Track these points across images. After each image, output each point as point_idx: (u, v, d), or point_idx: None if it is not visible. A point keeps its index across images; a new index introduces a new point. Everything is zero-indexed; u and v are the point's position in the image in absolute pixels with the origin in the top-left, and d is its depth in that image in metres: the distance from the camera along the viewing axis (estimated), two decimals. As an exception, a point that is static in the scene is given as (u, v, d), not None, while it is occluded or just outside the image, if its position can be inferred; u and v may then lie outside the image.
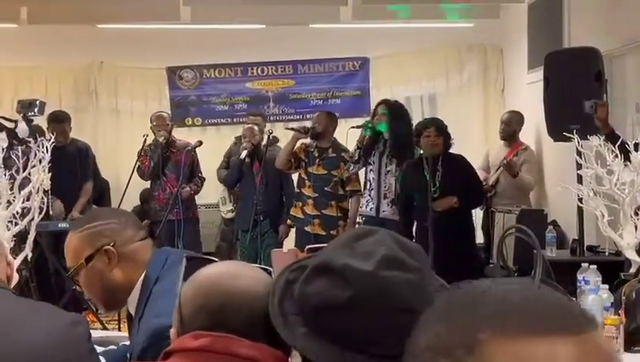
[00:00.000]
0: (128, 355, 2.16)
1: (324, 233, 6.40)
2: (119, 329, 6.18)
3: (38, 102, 5.73)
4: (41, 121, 6.38)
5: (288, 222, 6.72)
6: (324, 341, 1.26)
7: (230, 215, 7.52)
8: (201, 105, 8.53)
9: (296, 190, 6.67)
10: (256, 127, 6.92)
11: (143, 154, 6.83)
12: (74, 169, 6.80)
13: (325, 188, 6.51)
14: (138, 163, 6.80)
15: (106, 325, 6.24)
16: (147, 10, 7.44)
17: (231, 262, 1.60)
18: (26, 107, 5.69)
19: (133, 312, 2.17)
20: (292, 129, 6.69)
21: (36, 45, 8.02)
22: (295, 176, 6.86)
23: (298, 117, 8.47)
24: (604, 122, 5.06)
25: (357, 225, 6.76)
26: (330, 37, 8.37)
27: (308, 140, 6.62)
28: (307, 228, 6.46)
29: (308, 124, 6.91)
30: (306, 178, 6.55)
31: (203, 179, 7.12)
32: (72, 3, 7.49)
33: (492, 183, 6.81)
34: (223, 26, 8.20)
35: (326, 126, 6.60)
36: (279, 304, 1.34)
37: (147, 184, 7.19)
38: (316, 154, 6.55)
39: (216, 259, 1.64)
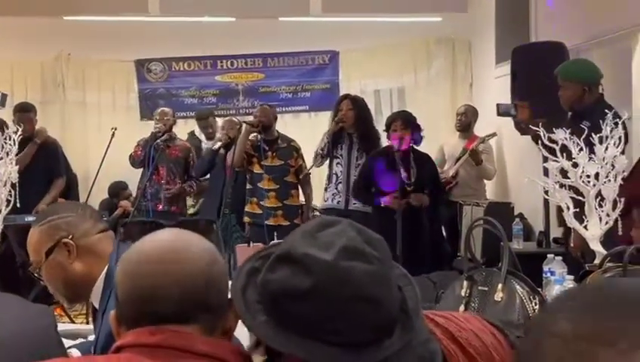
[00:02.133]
0: (92, 349, 2.14)
1: (287, 223, 6.46)
2: (87, 323, 6.15)
3: (0, 94, 5.68)
4: (5, 114, 6.34)
5: (246, 219, 6.67)
6: (284, 329, 1.27)
7: (192, 210, 7.49)
8: (170, 99, 8.50)
9: (249, 186, 6.66)
10: (235, 120, 6.95)
11: (138, 143, 6.93)
12: (43, 163, 6.75)
13: (285, 179, 6.55)
14: (132, 152, 6.91)
15: (74, 319, 6.21)
16: (115, 2, 7.39)
17: (163, 231, 1.41)
18: None
19: (97, 306, 2.16)
20: (245, 122, 6.67)
21: (2, 38, 7.93)
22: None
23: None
24: (527, 123, 5.17)
25: (312, 214, 6.83)
26: (299, 30, 8.38)
27: (252, 136, 6.61)
28: (269, 222, 6.45)
29: (249, 119, 6.92)
30: (262, 172, 6.54)
31: (198, 182, 7.15)
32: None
33: (452, 174, 6.90)
34: (193, 19, 8.17)
35: (271, 118, 6.67)
36: (242, 290, 1.33)
37: (122, 174, 7.23)
38: (266, 147, 6.57)
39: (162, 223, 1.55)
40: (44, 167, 6.70)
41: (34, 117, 6.80)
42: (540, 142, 3.29)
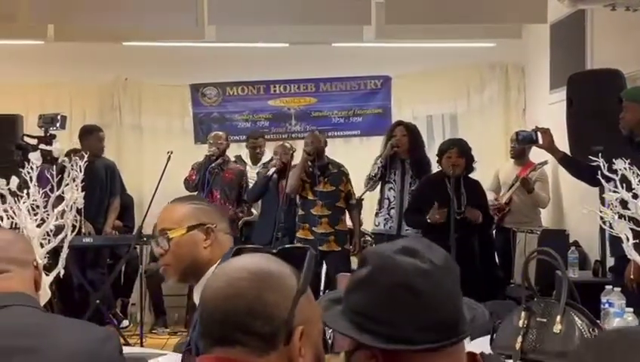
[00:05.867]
0: (193, 347, 2.24)
1: (339, 248, 6.50)
2: (141, 345, 6.24)
3: (59, 117, 5.81)
4: (63, 137, 6.49)
5: (298, 245, 6.72)
6: (348, 321, 1.39)
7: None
8: (224, 123, 8.59)
9: (300, 213, 6.68)
10: (288, 145, 7.02)
11: (192, 167, 7.13)
12: (102, 185, 6.93)
13: (336, 204, 6.59)
14: (186, 175, 7.13)
15: (128, 340, 6.29)
16: (172, 29, 7.52)
17: (239, 259, 1.48)
18: (48, 122, 5.78)
19: (197, 302, 2.23)
20: (304, 151, 6.72)
21: (62, 62, 8.12)
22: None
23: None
24: (551, 148, 5.14)
25: (363, 239, 6.85)
26: (352, 56, 8.43)
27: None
28: (322, 248, 6.48)
29: (299, 146, 6.98)
30: (315, 198, 6.58)
31: (249, 205, 7.24)
32: (99, 21, 7.58)
33: (505, 201, 6.85)
34: (247, 45, 8.28)
35: (322, 144, 6.71)
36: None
37: (177, 197, 7.30)
38: (318, 173, 6.61)
39: (267, 250, 1.60)
40: (100, 187, 6.90)
41: (100, 136, 7.04)
42: (599, 172, 3.27)
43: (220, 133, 7.47)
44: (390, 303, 1.34)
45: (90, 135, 7.07)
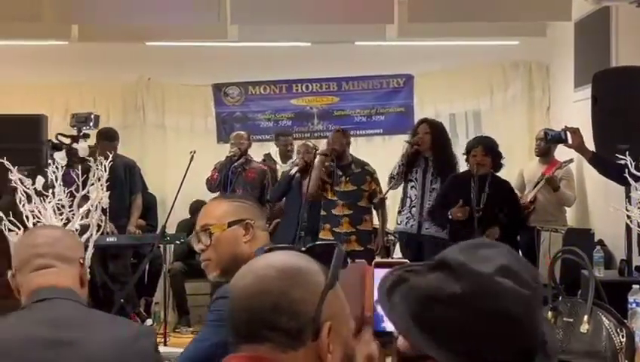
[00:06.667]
0: None
1: (361, 248, 6.47)
2: (165, 344, 6.26)
3: (92, 116, 5.83)
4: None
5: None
6: (426, 331, 1.29)
7: None
8: (246, 122, 8.61)
9: (323, 213, 6.67)
10: (311, 144, 7.01)
11: (215, 167, 7.14)
12: (121, 184, 6.94)
13: (358, 204, 6.56)
14: (208, 176, 7.14)
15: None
16: (195, 29, 7.54)
17: (267, 256, 1.48)
18: (81, 121, 5.80)
19: None
20: (318, 153, 6.72)
21: (86, 62, 8.16)
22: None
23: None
24: (580, 148, 5.07)
25: (387, 238, 6.83)
26: (374, 54, 8.41)
27: (327, 162, 6.66)
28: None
29: (322, 145, 6.96)
30: (336, 198, 6.57)
31: (270, 204, 7.24)
32: (122, 21, 7.62)
33: (530, 200, 6.80)
34: (269, 44, 8.28)
35: (343, 143, 6.68)
36: (388, 292, 1.36)
37: (199, 196, 7.34)
38: (340, 173, 6.59)
39: (297, 249, 1.60)
40: (121, 186, 6.91)
41: (117, 144, 7.03)
42: (627, 171, 3.23)
43: (242, 132, 7.48)
44: (484, 328, 1.27)
45: (110, 143, 6.98)
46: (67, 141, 4.83)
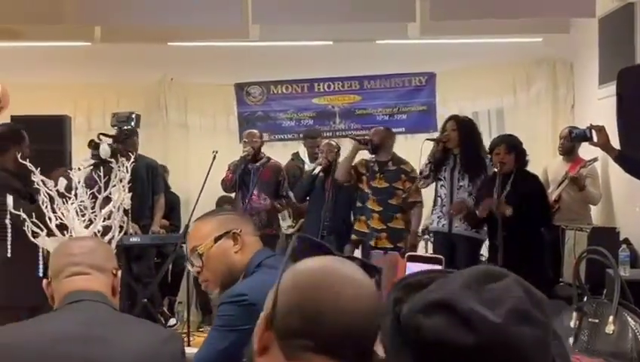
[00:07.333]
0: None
1: (391, 246, 6.44)
2: (188, 344, 6.27)
3: (134, 115, 5.84)
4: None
5: (353, 237, 6.73)
6: None
7: (290, 230, 7.57)
8: (268, 121, 8.62)
9: (359, 204, 6.70)
10: (334, 143, 7.03)
11: (229, 167, 7.10)
12: (143, 185, 6.95)
13: (389, 201, 6.55)
14: (223, 176, 7.09)
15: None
16: (217, 29, 7.55)
17: (342, 261, 1.42)
18: (123, 120, 5.83)
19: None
20: (354, 138, 6.76)
21: (108, 63, 8.20)
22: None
23: (364, 132, 8.47)
24: (606, 147, 5.01)
25: (419, 238, 6.81)
26: (396, 52, 8.39)
27: (368, 156, 6.68)
28: (372, 243, 6.48)
29: (345, 145, 7.02)
30: (370, 192, 6.60)
31: (288, 199, 7.23)
32: (144, 21, 7.66)
33: (555, 198, 6.74)
34: (291, 43, 8.28)
35: (383, 139, 6.69)
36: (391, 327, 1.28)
37: (222, 193, 7.38)
38: (376, 168, 6.61)
39: (328, 246, 1.55)
40: (143, 186, 6.92)
41: (137, 140, 7.03)
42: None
43: (254, 131, 7.43)
44: None
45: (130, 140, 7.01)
46: (108, 140, 4.88)
